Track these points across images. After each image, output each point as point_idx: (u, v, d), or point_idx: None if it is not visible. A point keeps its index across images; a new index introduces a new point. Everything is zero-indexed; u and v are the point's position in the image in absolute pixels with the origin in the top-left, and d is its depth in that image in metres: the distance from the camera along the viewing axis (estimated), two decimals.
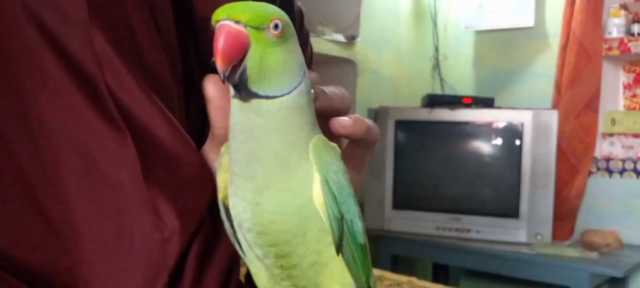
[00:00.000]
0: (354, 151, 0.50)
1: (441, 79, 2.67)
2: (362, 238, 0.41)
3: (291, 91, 0.37)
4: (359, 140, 0.48)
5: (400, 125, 2.18)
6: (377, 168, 2.16)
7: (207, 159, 0.47)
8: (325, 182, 0.38)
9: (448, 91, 2.63)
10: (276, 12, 0.36)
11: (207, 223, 0.46)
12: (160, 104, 0.45)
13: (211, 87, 0.45)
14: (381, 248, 2.25)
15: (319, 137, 0.39)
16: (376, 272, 1.63)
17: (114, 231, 0.43)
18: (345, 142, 0.50)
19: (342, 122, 0.46)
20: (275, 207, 0.38)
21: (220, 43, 0.34)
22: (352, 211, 0.40)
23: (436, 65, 2.68)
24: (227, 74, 0.34)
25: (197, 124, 0.58)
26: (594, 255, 1.94)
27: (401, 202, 2.17)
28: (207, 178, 0.47)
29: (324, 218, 0.39)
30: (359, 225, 0.41)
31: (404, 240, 2.19)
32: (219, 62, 0.34)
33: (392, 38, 2.53)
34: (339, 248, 0.40)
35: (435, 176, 2.20)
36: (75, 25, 0.43)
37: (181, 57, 0.54)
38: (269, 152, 0.37)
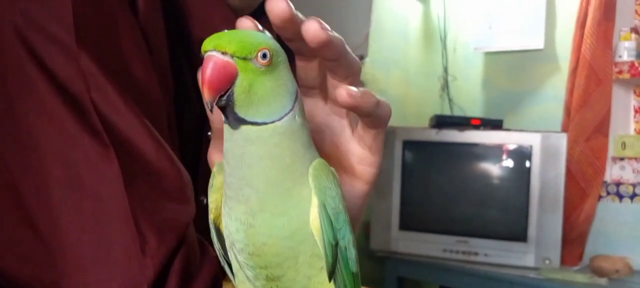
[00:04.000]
0: (366, 130, 0.47)
1: (450, 100, 2.66)
2: (354, 266, 0.41)
3: (282, 117, 0.37)
4: (368, 114, 0.45)
5: (408, 145, 2.17)
6: (384, 189, 2.14)
7: (211, 161, 0.49)
8: (323, 207, 0.38)
9: (456, 112, 2.62)
10: (264, 42, 0.36)
11: (191, 239, 0.47)
12: (145, 120, 0.47)
13: None
14: (387, 270, 2.23)
15: (319, 161, 0.39)
16: None
17: (93, 242, 0.44)
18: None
19: (349, 90, 0.42)
20: (269, 230, 0.38)
21: (206, 74, 0.34)
22: (347, 238, 0.40)
23: (445, 86, 2.67)
24: (213, 104, 0.34)
25: (192, 135, 0.61)
26: (603, 281, 1.91)
27: (408, 223, 2.15)
28: (189, 195, 0.48)
29: (319, 244, 0.39)
30: (352, 253, 0.40)
31: (411, 262, 2.16)
32: (206, 93, 0.34)
33: (400, 58, 2.53)
34: (331, 275, 0.40)
35: (442, 197, 2.18)
36: (62, 45, 0.45)
37: (174, 74, 0.56)
38: (262, 178, 0.37)
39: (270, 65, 0.36)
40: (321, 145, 0.47)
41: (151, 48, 0.52)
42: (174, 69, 0.57)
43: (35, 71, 0.45)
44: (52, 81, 0.45)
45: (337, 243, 0.39)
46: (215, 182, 0.42)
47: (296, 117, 0.38)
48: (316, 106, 0.47)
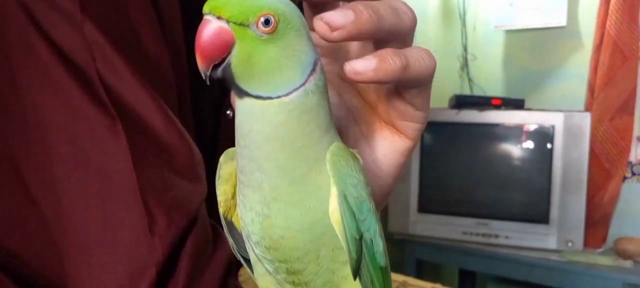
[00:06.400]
0: (406, 89, 0.39)
1: (470, 80, 2.61)
2: (383, 260, 0.37)
3: (290, 92, 0.33)
4: (397, 83, 0.37)
5: (427, 126, 2.12)
6: None
7: None
8: (343, 197, 0.34)
9: (477, 92, 2.57)
10: (268, 5, 0.32)
11: (203, 221, 0.44)
12: (154, 93, 0.44)
13: None
14: (406, 253, 2.21)
15: (337, 145, 0.35)
16: (400, 277, 1.59)
17: (98, 222, 0.41)
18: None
19: (354, 66, 0.34)
20: (286, 222, 0.34)
21: (199, 40, 0.31)
22: (372, 229, 0.35)
23: (464, 65, 2.62)
24: (208, 72, 0.32)
25: (210, 116, 0.58)
26: (628, 263, 1.87)
27: (427, 205, 2.12)
28: (200, 173, 0.45)
29: (341, 238, 0.35)
30: (380, 245, 0.36)
31: (430, 245, 2.14)
32: (198, 60, 0.31)
33: (419, 37, 2.46)
34: (356, 273, 0.36)
35: (462, 179, 2.15)
36: (65, 14, 0.42)
37: (192, 48, 0.54)
38: (272, 162, 0.33)
39: (275, 33, 0.32)
40: (365, 95, 0.42)
41: (162, 17, 0.49)
42: (191, 43, 0.54)
43: (38, 41, 0.43)
44: (56, 51, 0.43)
45: (361, 237, 0.35)
46: (223, 172, 0.39)
47: (310, 93, 0.33)
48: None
